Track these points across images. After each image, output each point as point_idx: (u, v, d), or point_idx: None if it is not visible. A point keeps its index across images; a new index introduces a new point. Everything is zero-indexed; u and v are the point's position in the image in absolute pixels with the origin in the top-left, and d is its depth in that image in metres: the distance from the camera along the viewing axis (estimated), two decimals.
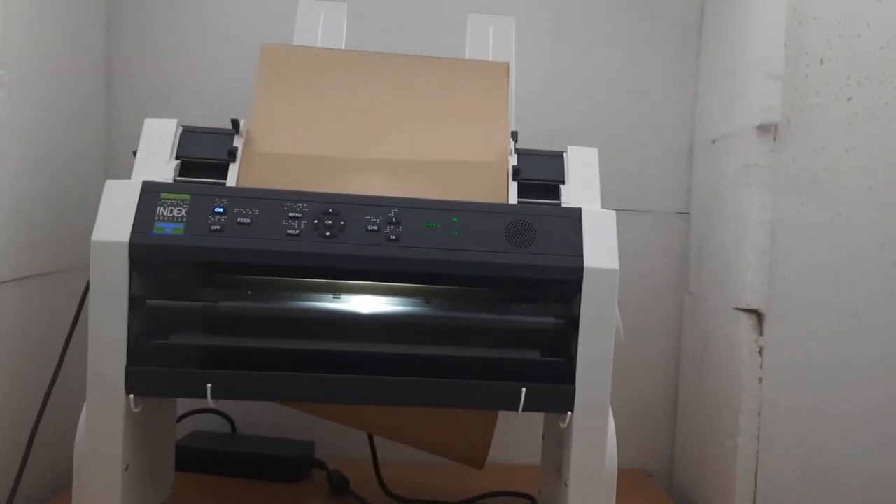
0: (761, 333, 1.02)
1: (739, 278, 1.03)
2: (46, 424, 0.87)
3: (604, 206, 0.87)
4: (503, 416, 0.98)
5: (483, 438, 0.97)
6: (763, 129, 1.01)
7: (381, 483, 1.05)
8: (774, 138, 1.01)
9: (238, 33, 1.22)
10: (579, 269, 0.79)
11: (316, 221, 0.78)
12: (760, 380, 1.01)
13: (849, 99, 1.02)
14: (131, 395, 0.76)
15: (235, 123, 0.87)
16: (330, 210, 0.79)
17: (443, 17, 1.22)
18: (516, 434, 1.19)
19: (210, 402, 0.77)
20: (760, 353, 1.01)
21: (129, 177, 0.83)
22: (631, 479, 1.19)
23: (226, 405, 1.19)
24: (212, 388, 0.76)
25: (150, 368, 0.76)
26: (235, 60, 1.20)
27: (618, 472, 0.83)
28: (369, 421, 0.97)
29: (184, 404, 1.11)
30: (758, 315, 1.01)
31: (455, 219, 0.80)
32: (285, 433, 1.19)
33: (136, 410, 0.77)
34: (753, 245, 1.01)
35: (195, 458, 1.09)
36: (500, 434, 1.01)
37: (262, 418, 1.18)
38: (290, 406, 0.97)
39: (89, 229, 0.76)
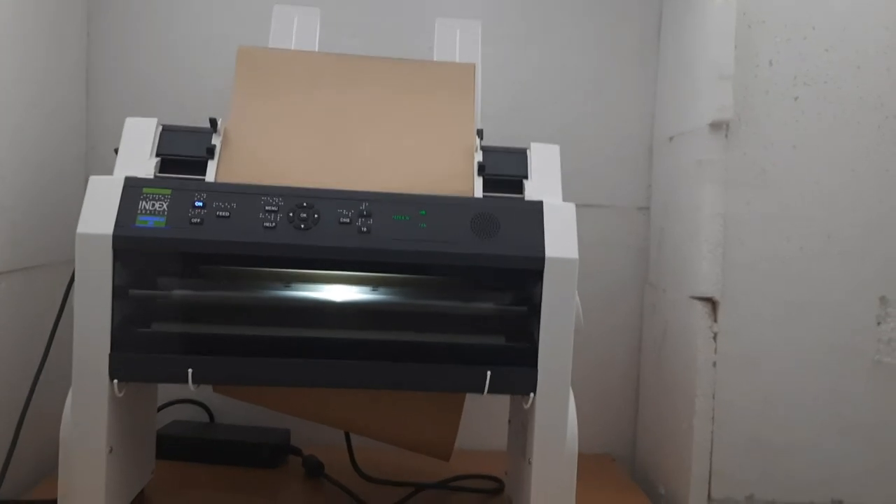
0: (715, 320, 1.07)
1: (695, 269, 1.08)
2: (34, 410, 0.90)
3: (567, 201, 0.91)
4: (472, 403, 1.03)
5: (448, 431, 1.01)
6: (715, 126, 1.06)
7: (356, 467, 1.09)
8: (726, 135, 1.07)
9: (215, 36, 1.26)
10: (541, 259, 0.84)
11: (291, 214, 0.82)
12: (715, 364, 1.07)
13: (795, 98, 1.08)
14: (115, 381, 0.79)
15: (213, 122, 0.91)
16: (304, 204, 0.83)
17: (411, 21, 1.27)
18: (484, 422, 1.23)
19: (191, 387, 0.81)
20: (715, 339, 1.07)
21: (110, 174, 0.86)
22: (595, 464, 1.25)
23: (204, 397, 1.22)
24: (192, 373, 0.80)
25: (133, 355, 0.80)
26: (213, 62, 1.24)
27: (583, 457, 0.88)
28: (338, 417, 1.01)
29: (164, 395, 1.14)
30: (712, 303, 1.07)
31: (423, 212, 0.85)
32: (262, 422, 1.23)
33: (120, 395, 0.80)
34: (707, 237, 1.07)
35: (175, 445, 1.13)
36: (469, 422, 1.05)
37: (239, 408, 1.21)
38: (262, 405, 1.01)
39: (71, 225, 0.79)
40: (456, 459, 1.09)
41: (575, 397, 0.86)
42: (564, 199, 0.92)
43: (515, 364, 0.85)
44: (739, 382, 1.07)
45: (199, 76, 1.25)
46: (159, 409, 1.10)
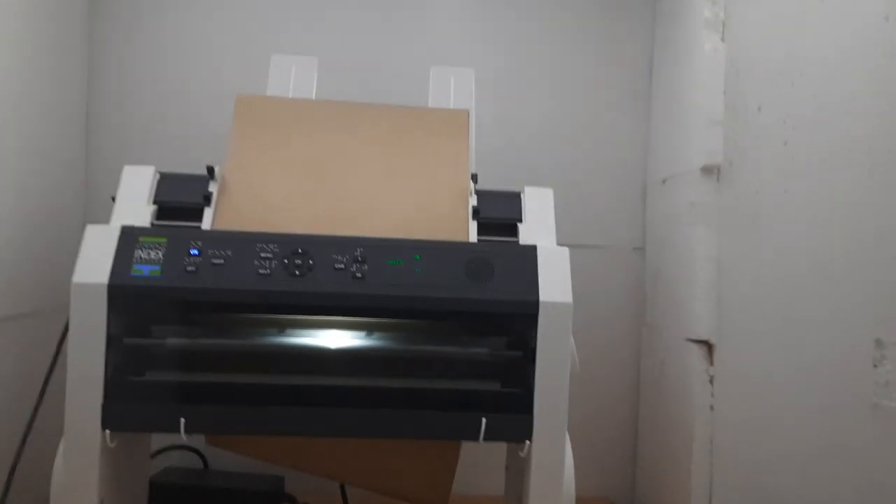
0: (711, 363, 1.07)
1: (690, 311, 1.09)
2: (26, 461, 0.90)
3: (563, 242, 0.92)
4: (468, 447, 1.02)
5: (444, 481, 1.00)
6: (706, 170, 1.08)
7: None
8: (718, 179, 1.08)
9: (214, 83, 1.27)
10: (535, 304, 0.84)
11: (286, 261, 0.83)
12: (712, 407, 1.07)
13: (785, 142, 1.09)
14: (107, 430, 0.79)
15: (210, 170, 0.92)
16: (299, 250, 0.83)
17: (407, 69, 1.29)
18: (481, 467, 1.22)
19: (183, 437, 0.80)
20: (711, 381, 1.07)
21: (107, 221, 0.87)
22: None
23: (198, 443, 1.21)
24: (185, 423, 0.80)
25: (125, 404, 0.80)
26: (211, 108, 1.26)
27: (582, 500, 0.87)
28: (332, 469, 1.01)
29: (158, 441, 1.14)
30: (708, 346, 1.07)
31: (417, 256, 0.85)
32: (256, 469, 1.22)
33: (112, 445, 0.80)
34: (701, 280, 1.07)
35: (168, 493, 1.11)
36: (466, 467, 1.04)
37: (232, 454, 1.20)
38: (256, 457, 1.00)
39: (68, 271, 0.79)
40: None
41: (572, 440, 0.86)
42: (560, 240, 0.93)
43: (511, 410, 0.85)
44: (737, 426, 1.07)
45: (197, 122, 1.27)
46: (153, 456, 1.09)
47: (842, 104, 1.09)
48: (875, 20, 1.07)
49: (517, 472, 0.94)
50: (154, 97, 1.28)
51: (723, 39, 1.08)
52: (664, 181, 1.23)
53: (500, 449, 1.07)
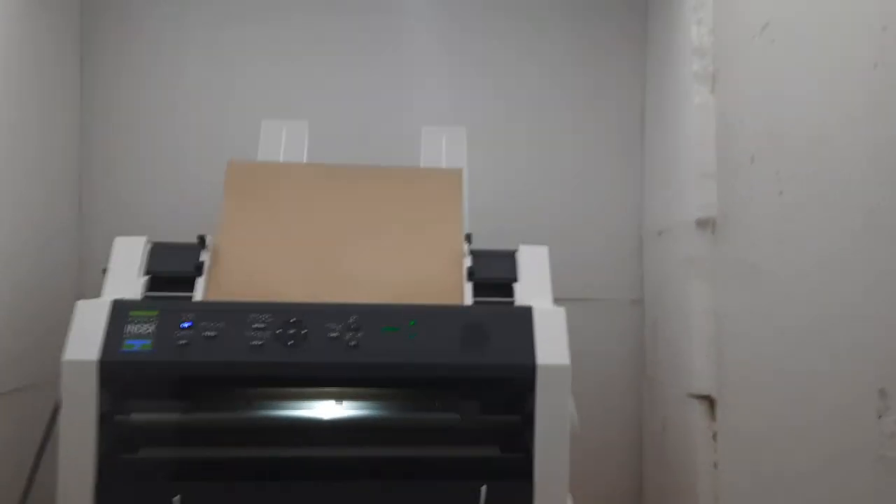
0: (714, 419, 1.06)
1: (690, 365, 1.07)
2: None
3: (560, 296, 0.92)
4: None
5: None
6: (701, 223, 1.07)
7: None
8: (713, 232, 1.08)
9: (205, 148, 1.28)
10: (531, 367, 0.83)
11: (279, 331, 0.82)
12: (716, 465, 1.05)
13: (780, 193, 1.09)
14: None
15: (202, 239, 0.92)
16: (292, 319, 0.83)
17: (398, 128, 1.29)
18: None
19: None
20: (714, 437, 1.05)
21: (100, 290, 0.86)
22: None
23: None
24: (180, 500, 0.78)
25: (118, 484, 0.78)
26: (203, 174, 1.26)
27: None
28: None
29: None
30: (710, 401, 1.06)
31: (412, 322, 0.84)
32: None
33: None
34: (700, 334, 1.06)
35: None
36: None
37: None
38: None
39: (61, 344, 0.79)
40: None
41: (574, 499, 0.84)
42: (557, 293, 0.92)
43: (511, 476, 0.83)
44: (742, 483, 1.05)
45: (189, 187, 1.27)
46: None
47: (834, 153, 1.09)
48: (864, 66, 1.07)
49: None
50: (146, 163, 1.28)
51: (712, 92, 1.09)
52: (660, 233, 1.23)
53: None
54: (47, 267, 1.14)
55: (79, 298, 1.19)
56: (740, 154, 1.09)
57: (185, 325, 0.81)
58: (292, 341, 0.82)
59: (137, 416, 0.81)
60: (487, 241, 1.01)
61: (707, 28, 1.09)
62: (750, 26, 1.09)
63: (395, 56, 1.32)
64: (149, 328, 0.80)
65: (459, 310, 0.88)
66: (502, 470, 0.84)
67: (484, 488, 0.82)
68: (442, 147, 1.11)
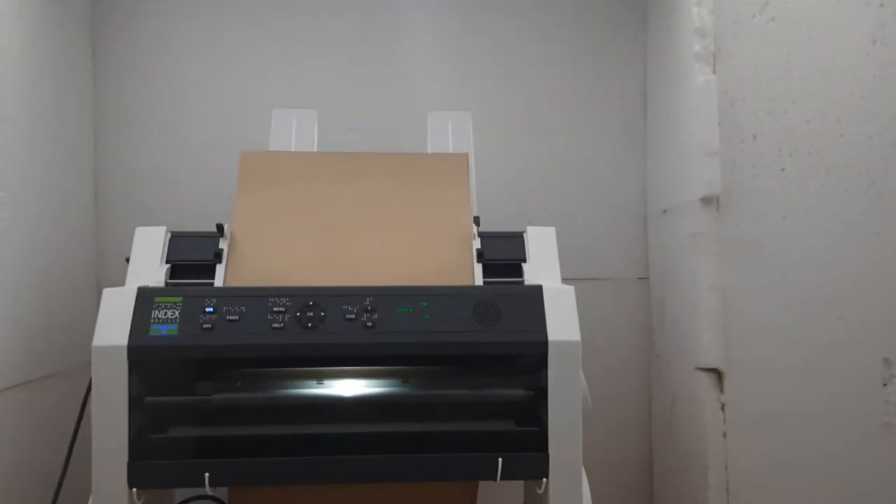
0: (722, 391, 1.08)
1: (697, 340, 1.10)
2: None
3: (567, 276, 0.94)
4: (486, 486, 1.03)
5: None
6: (706, 200, 1.09)
7: None
8: (717, 208, 1.10)
9: (218, 141, 1.30)
10: (544, 343, 0.85)
11: (298, 314, 0.84)
12: (725, 435, 1.07)
13: (782, 169, 1.11)
14: (134, 489, 0.81)
15: (220, 227, 0.95)
16: (311, 302, 0.85)
17: (405, 114, 1.32)
18: (499, 503, 1.23)
19: (208, 490, 0.82)
20: (723, 409, 1.08)
21: (120, 280, 0.89)
22: None
23: (220, 493, 1.22)
24: (209, 477, 0.81)
25: (150, 462, 0.81)
26: (217, 167, 1.28)
27: None
28: None
29: (180, 492, 1.15)
30: (717, 374, 1.08)
31: (426, 303, 0.87)
32: None
33: (139, 503, 0.82)
34: (707, 308, 1.09)
35: None
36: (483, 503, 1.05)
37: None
38: None
39: (84, 332, 0.82)
40: None
41: (588, 473, 0.87)
42: (564, 274, 0.94)
43: (526, 449, 0.86)
44: (751, 452, 1.08)
45: (204, 179, 1.29)
46: None
47: (835, 127, 1.11)
48: (863, 44, 1.09)
49: None
50: (159, 156, 1.30)
51: (714, 71, 1.11)
52: (664, 212, 1.25)
53: (518, 487, 1.08)
54: (67, 258, 1.17)
55: (98, 288, 1.23)
56: (743, 131, 1.11)
57: (209, 309, 0.84)
58: (311, 323, 0.84)
59: (166, 399, 0.84)
60: (494, 224, 1.03)
61: (708, 9, 1.10)
62: (750, 5, 1.11)
63: (400, 43, 1.34)
64: (174, 314, 0.83)
65: (471, 290, 0.91)
66: (518, 443, 0.86)
67: (500, 460, 0.85)
68: (448, 132, 1.13)
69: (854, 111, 1.11)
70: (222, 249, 0.94)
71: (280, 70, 1.32)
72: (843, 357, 1.09)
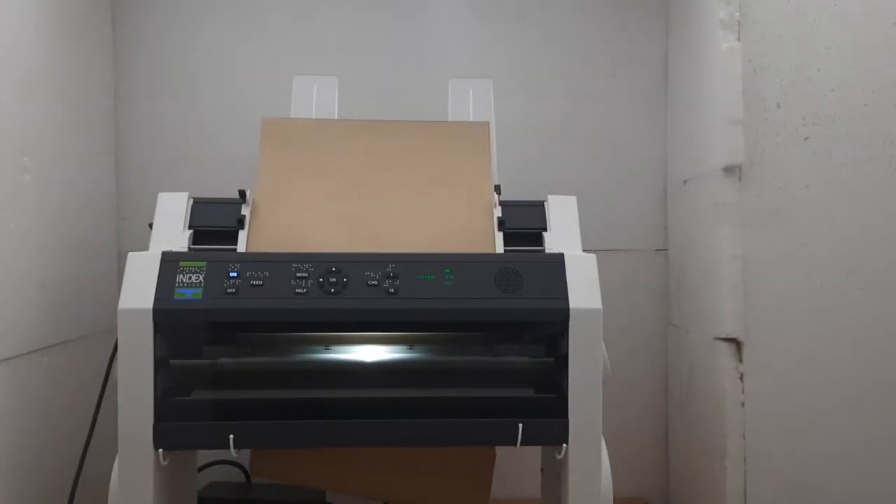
0: (741, 360, 1.08)
1: (717, 310, 1.10)
2: (84, 478, 0.93)
3: (587, 247, 0.93)
4: (504, 452, 1.04)
5: (481, 492, 1.02)
6: (728, 170, 1.09)
7: None
8: (739, 178, 1.09)
9: (239, 108, 1.30)
10: (565, 311, 0.86)
11: (321, 280, 0.85)
12: (743, 404, 1.08)
13: (805, 138, 1.10)
14: (160, 450, 0.82)
15: (242, 193, 0.95)
16: (333, 268, 0.86)
17: (426, 82, 1.31)
18: (517, 470, 1.24)
19: (233, 452, 0.83)
20: (741, 378, 1.08)
21: (141, 246, 0.90)
22: None
23: (241, 458, 1.24)
24: (234, 439, 0.82)
25: (176, 424, 0.83)
26: (238, 134, 1.28)
27: (617, 501, 0.89)
28: (373, 488, 1.03)
29: (201, 455, 1.16)
30: (736, 343, 1.08)
31: (448, 270, 0.87)
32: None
33: (165, 464, 0.83)
34: (727, 278, 1.08)
35: None
36: (502, 471, 1.06)
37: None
38: (300, 483, 1.03)
39: (106, 297, 0.82)
40: None
41: (605, 441, 0.87)
42: (584, 245, 0.94)
43: (546, 415, 0.86)
44: (769, 422, 1.08)
45: (224, 146, 1.30)
46: (199, 471, 1.12)
47: (860, 96, 1.10)
48: (890, 12, 1.08)
49: (553, 474, 0.96)
50: (179, 124, 1.31)
51: (739, 39, 1.09)
52: (685, 182, 1.25)
53: (535, 454, 1.09)
54: (89, 224, 1.18)
55: (119, 254, 1.24)
56: (767, 100, 1.10)
57: (233, 274, 0.84)
58: (334, 289, 0.85)
59: (192, 361, 0.85)
60: (512, 194, 1.03)
61: None
62: None
63: (422, 9, 1.33)
64: (198, 278, 0.84)
65: (492, 257, 0.91)
66: (538, 409, 0.87)
67: (521, 426, 0.85)
68: (469, 100, 1.13)
69: (879, 80, 1.10)
70: (245, 215, 0.94)
71: (301, 38, 1.32)
72: (863, 327, 1.09)
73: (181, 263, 0.85)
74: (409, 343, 0.90)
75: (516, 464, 1.23)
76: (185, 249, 0.90)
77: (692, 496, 1.21)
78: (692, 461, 1.21)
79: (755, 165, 1.09)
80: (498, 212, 0.97)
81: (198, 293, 0.83)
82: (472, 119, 1.11)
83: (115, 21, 1.29)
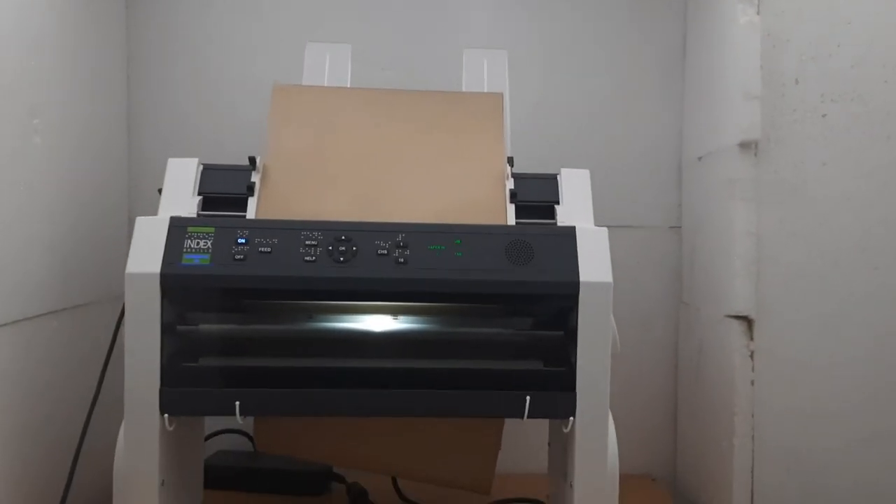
0: (752, 338, 1.07)
1: (729, 287, 1.09)
2: (89, 444, 0.93)
3: (599, 223, 0.92)
4: (510, 426, 1.04)
5: (488, 466, 1.02)
6: (744, 146, 1.07)
7: (399, 493, 1.11)
8: (755, 154, 1.08)
9: (251, 74, 1.29)
10: (575, 284, 0.85)
11: (330, 248, 0.84)
12: (752, 383, 1.07)
13: (823, 115, 1.08)
14: (166, 415, 0.82)
15: (252, 160, 0.94)
16: (343, 237, 0.85)
17: (440, 52, 1.29)
18: (524, 445, 1.24)
19: (238, 419, 0.83)
20: (752, 357, 1.07)
21: (151, 212, 0.89)
22: (636, 484, 1.25)
23: (248, 426, 1.25)
24: (240, 406, 0.82)
25: (182, 389, 0.83)
26: (249, 100, 1.28)
27: (624, 478, 0.89)
28: (379, 462, 1.03)
29: (208, 424, 1.17)
30: (748, 321, 1.07)
31: (458, 241, 0.86)
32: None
33: (171, 429, 0.83)
34: (741, 255, 1.07)
35: (221, 475, 1.15)
36: (509, 445, 1.06)
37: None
38: (307, 456, 1.04)
39: (116, 263, 0.82)
40: (497, 483, 1.09)
41: (613, 418, 0.87)
42: (596, 221, 0.93)
43: (554, 388, 0.86)
44: (779, 400, 1.07)
45: (235, 113, 1.29)
46: (206, 439, 1.12)
47: (881, 73, 1.08)
48: None
49: (560, 448, 0.95)
50: (191, 90, 1.30)
51: (758, 12, 1.07)
52: (700, 158, 1.23)
53: (543, 429, 1.09)
54: (99, 188, 1.18)
55: (130, 219, 1.24)
56: (785, 75, 1.08)
57: (241, 241, 0.84)
58: (343, 258, 0.84)
59: (198, 327, 0.85)
60: (525, 167, 1.02)
61: None
62: None
63: None
64: (206, 244, 0.83)
65: (504, 229, 0.90)
66: (546, 382, 0.87)
67: (528, 398, 0.85)
68: (484, 71, 1.12)
69: None
70: (254, 182, 0.94)
71: (313, 3, 1.30)
72: (877, 306, 1.07)
73: (189, 229, 0.84)
74: (417, 313, 0.89)
75: (523, 438, 1.23)
76: (194, 215, 0.90)
77: (699, 474, 1.21)
78: (700, 439, 1.21)
79: (772, 142, 1.08)
80: (510, 184, 0.97)
81: (206, 259, 0.83)
82: (486, 90, 1.10)
83: None
